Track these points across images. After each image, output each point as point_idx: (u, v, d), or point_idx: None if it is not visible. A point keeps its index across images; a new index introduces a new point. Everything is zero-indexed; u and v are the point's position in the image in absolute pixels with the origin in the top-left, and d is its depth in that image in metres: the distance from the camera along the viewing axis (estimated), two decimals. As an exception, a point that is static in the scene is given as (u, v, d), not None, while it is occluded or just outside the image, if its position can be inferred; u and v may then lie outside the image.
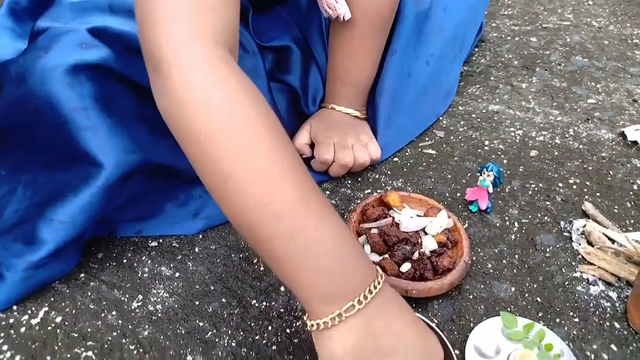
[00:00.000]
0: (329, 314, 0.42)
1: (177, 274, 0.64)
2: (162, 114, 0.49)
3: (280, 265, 0.45)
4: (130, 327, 0.59)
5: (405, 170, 0.82)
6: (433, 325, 0.54)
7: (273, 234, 0.44)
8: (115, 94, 0.60)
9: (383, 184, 0.79)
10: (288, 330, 0.58)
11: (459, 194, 0.77)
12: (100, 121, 0.57)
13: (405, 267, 0.61)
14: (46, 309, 0.61)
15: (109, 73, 0.60)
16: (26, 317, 0.60)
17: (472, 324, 0.59)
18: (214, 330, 0.58)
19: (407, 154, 0.85)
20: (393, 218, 0.66)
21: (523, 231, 0.71)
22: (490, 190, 0.71)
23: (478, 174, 0.72)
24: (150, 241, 0.69)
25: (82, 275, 0.64)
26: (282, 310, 0.60)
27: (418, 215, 0.68)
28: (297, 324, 0.59)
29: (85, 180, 0.59)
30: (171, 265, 0.66)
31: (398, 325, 0.44)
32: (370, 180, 0.80)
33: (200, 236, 0.70)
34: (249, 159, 0.44)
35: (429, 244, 0.63)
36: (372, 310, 0.43)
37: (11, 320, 0.59)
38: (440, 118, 0.93)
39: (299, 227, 0.43)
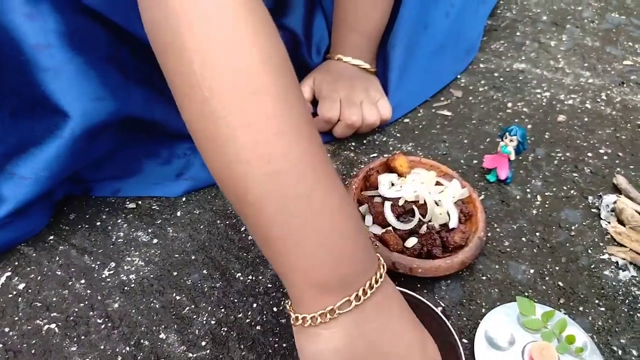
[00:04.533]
0: (319, 309, 0.35)
1: (155, 241, 0.58)
2: (146, 28, 0.40)
3: (269, 239, 0.36)
4: (99, 297, 0.52)
5: (416, 132, 0.73)
6: (438, 310, 0.47)
7: (266, 197, 0.35)
8: (84, 31, 0.52)
9: (391, 148, 0.71)
10: (275, 309, 0.52)
11: (475, 162, 0.69)
12: (65, 61, 0.49)
13: (411, 242, 0.54)
14: (9, 274, 0.55)
15: (77, 5, 0.51)
16: (-14, 282, 0.54)
17: (483, 310, 0.52)
18: (192, 306, 0.52)
19: (419, 114, 0.77)
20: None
21: (546, 206, 0.63)
22: (512, 157, 0.63)
23: (499, 139, 0.64)
24: (127, 202, 0.62)
25: (51, 237, 0.58)
26: (269, 285, 0.54)
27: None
28: (286, 301, 0.52)
29: (49, 131, 0.51)
30: (149, 230, 0.59)
31: (395, 328, 0.37)
32: (377, 142, 0.72)
33: (184, 199, 0.62)
34: (248, 100, 0.35)
35: (439, 217, 0.56)
36: (369, 309, 0.36)
37: (-30, 285, 0.54)
38: (458, 76, 0.84)
39: (300, 194, 0.35)
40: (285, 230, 0.35)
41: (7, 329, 0.50)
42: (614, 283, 0.55)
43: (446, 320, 0.45)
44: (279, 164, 0.34)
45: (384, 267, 0.38)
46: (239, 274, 0.55)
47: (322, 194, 0.35)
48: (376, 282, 0.37)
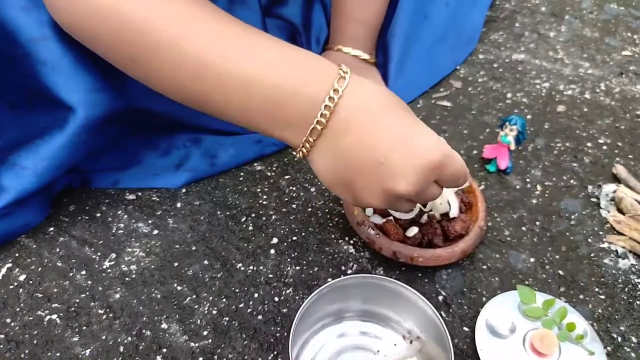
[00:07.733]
0: (299, 143, 0.40)
1: (156, 232, 0.58)
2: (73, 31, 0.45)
3: (231, 113, 0.41)
4: (100, 288, 0.52)
5: (416, 123, 0.73)
6: (430, 305, 0.46)
7: (191, 83, 0.40)
8: None
9: (390, 138, 0.71)
10: (276, 299, 0.52)
11: (475, 152, 0.69)
12: (62, 54, 0.49)
13: (412, 231, 0.54)
14: (10, 265, 0.54)
15: None
16: (-14, 273, 0.54)
17: (484, 298, 0.53)
18: (194, 296, 0.52)
19: (419, 105, 0.77)
20: None
21: (546, 195, 0.63)
22: (512, 147, 0.63)
23: (499, 129, 0.64)
24: (127, 194, 0.62)
25: (51, 229, 0.58)
26: (270, 275, 0.54)
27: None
28: (287, 291, 0.52)
29: (51, 123, 0.51)
30: (149, 221, 0.59)
31: (369, 138, 0.38)
32: (377, 133, 0.72)
33: (183, 190, 0.62)
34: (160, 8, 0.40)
35: (439, 207, 0.56)
36: (337, 127, 0.39)
37: (-30, 277, 0.53)
38: (458, 67, 0.84)
39: (218, 62, 0.39)
40: (234, 101, 0.40)
41: (8, 320, 0.50)
42: (613, 271, 0.55)
43: (438, 316, 0.45)
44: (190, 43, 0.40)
45: (342, 74, 0.39)
46: (240, 265, 0.55)
47: (235, 52, 0.39)
48: (331, 99, 0.38)
